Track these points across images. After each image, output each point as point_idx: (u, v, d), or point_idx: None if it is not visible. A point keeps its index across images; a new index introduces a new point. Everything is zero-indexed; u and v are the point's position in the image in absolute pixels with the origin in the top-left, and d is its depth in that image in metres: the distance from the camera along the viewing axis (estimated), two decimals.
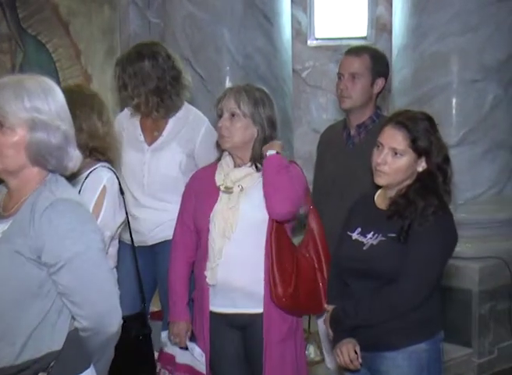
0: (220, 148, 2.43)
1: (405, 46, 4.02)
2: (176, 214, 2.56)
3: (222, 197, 2.36)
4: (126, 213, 2.43)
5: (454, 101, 3.87)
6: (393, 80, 4.01)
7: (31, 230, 1.56)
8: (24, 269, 1.55)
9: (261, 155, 2.33)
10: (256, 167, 2.37)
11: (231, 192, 2.36)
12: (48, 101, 1.60)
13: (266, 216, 2.32)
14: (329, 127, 2.98)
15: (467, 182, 3.73)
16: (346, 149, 2.74)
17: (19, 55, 4.40)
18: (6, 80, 1.60)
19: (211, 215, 2.34)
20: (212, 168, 2.44)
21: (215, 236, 2.32)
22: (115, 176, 2.33)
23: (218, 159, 2.45)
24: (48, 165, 1.62)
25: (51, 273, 1.57)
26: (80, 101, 2.21)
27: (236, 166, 2.41)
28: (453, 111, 3.87)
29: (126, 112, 2.95)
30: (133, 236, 2.63)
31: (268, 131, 2.37)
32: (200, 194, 2.41)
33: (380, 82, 2.74)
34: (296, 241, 2.47)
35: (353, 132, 2.75)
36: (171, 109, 2.81)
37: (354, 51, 2.74)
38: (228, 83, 3.85)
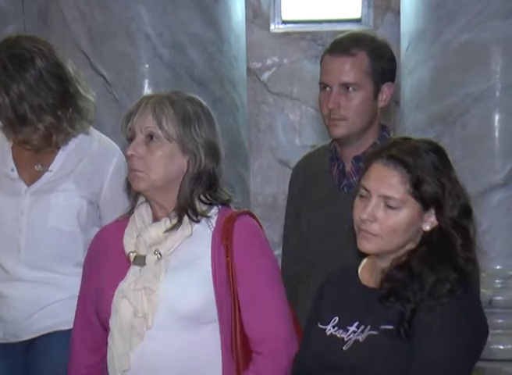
0: (132, 191, 2.46)
1: (421, 34, 4.08)
2: (71, 292, 2.65)
3: (132, 271, 2.37)
4: None
5: (497, 117, 3.92)
6: (402, 86, 4.18)
7: None
8: None
9: (192, 201, 2.38)
10: (180, 220, 2.38)
11: (144, 264, 2.35)
12: None
13: (206, 303, 2.33)
14: (307, 157, 2.99)
15: None
16: (338, 193, 2.76)
17: None
18: None
19: (114, 299, 2.35)
20: (123, 225, 2.46)
21: (115, 334, 2.33)
22: None
23: (130, 211, 2.47)
24: None
25: None
26: None
27: (155, 219, 2.41)
28: (496, 132, 3.92)
29: None
30: None
31: (206, 163, 2.38)
32: (103, 266, 2.44)
33: (387, 89, 2.76)
34: None
35: (348, 167, 2.77)
36: (60, 140, 2.88)
37: (344, 48, 2.73)
38: (147, 90, 3.92)
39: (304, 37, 4.76)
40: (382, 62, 2.74)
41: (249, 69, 4.51)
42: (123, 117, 2.42)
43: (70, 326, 2.71)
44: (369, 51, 2.72)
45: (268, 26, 4.80)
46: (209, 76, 4.03)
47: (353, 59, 2.70)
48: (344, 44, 2.73)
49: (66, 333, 2.73)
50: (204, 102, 2.43)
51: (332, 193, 2.77)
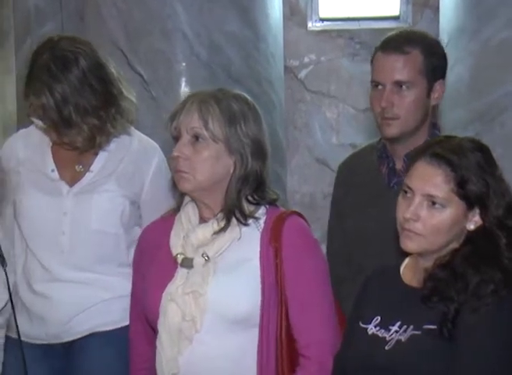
0: (177, 192, 2.45)
1: (460, 31, 4.06)
2: (114, 293, 2.72)
3: (180, 273, 2.36)
4: (9, 290, 2.55)
5: None
6: None
7: None
8: None
9: (240, 202, 2.35)
10: (228, 222, 2.36)
11: (191, 266, 2.34)
12: None
13: (253, 306, 2.33)
14: (352, 157, 2.98)
15: None
16: (387, 192, 2.72)
17: None
18: None
19: (162, 302, 2.34)
20: (169, 223, 2.45)
21: (164, 337, 2.32)
22: None
23: (177, 210, 2.45)
24: None
25: None
26: None
27: (203, 220, 2.40)
28: None
29: (24, 134, 3.00)
30: (35, 329, 2.79)
31: (253, 163, 2.35)
32: (150, 266, 2.44)
33: (439, 87, 2.75)
34: None
35: (399, 165, 2.76)
36: (103, 141, 2.87)
37: (396, 45, 2.72)
38: (184, 89, 3.91)
39: (341, 34, 4.75)
40: (434, 60, 2.72)
41: (286, 67, 4.51)
42: (169, 116, 2.41)
43: (112, 326, 2.76)
44: (422, 49, 2.70)
45: (306, 23, 4.79)
46: (246, 75, 4.01)
47: (406, 57, 2.68)
48: (397, 41, 2.71)
49: (107, 334, 2.79)
50: (250, 99, 2.41)
51: (380, 192, 2.74)
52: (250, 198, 2.38)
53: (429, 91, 2.72)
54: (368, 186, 2.78)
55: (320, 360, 2.33)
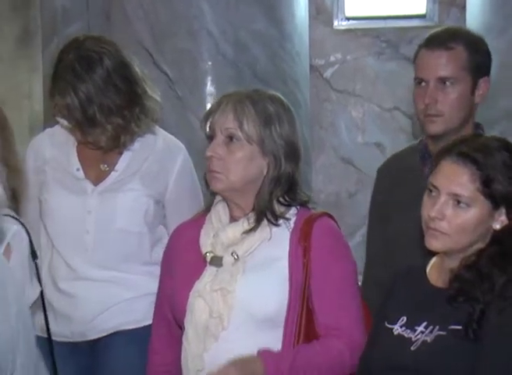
0: (209, 191, 2.45)
1: (486, 29, 4.00)
2: (139, 291, 2.74)
3: (208, 271, 2.36)
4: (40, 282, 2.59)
5: None
6: None
7: None
8: None
9: (271, 204, 2.36)
10: (259, 222, 2.36)
11: (220, 265, 2.34)
12: None
13: (281, 305, 2.33)
14: (393, 159, 2.97)
15: None
16: None
17: None
18: None
19: (189, 299, 2.34)
20: (199, 223, 2.45)
21: (190, 334, 2.32)
22: (24, 231, 2.46)
23: (207, 209, 2.46)
24: None
25: None
26: None
27: (233, 219, 2.41)
28: None
29: (50, 134, 3.01)
30: (60, 327, 2.80)
31: (286, 165, 2.37)
32: (179, 265, 2.44)
33: (483, 84, 2.72)
34: None
35: None
36: (127, 140, 2.88)
37: (441, 41, 2.71)
38: (209, 88, 3.90)
39: (367, 33, 4.74)
40: (478, 56, 2.70)
41: (312, 66, 4.50)
42: (203, 115, 2.41)
43: (136, 325, 2.76)
44: (466, 45, 2.68)
45: (332, 22, 4.78)
46: (272, 74, 4.01)
47: (450, 53, 2.66)
48: (441, 37, 2.69)
49: (130, 333, 2.80)
50: (285, 100, 2.41)
51: (422, 193, 2.72)
52: (281, 199, 2.38)
53: (473, 88, 2.69)
54: (409, 187, 2.73)
55: (350, 347, 2.31)
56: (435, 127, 2.67)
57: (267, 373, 2.25)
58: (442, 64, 2.65)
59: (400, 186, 2.77)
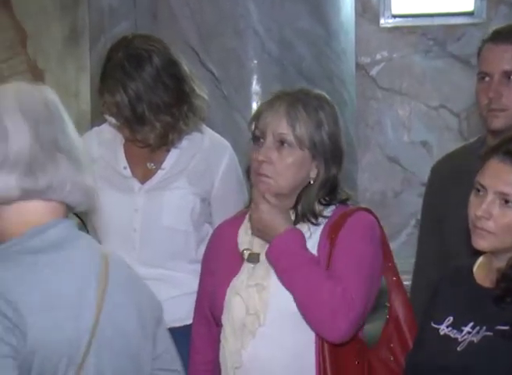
0: (251, 189, 2.44)
1: None
2: (185, 289, 2.74)
3: (245, 268, 2.37)
4: None
5: None
6: None
7: None
8: None
9: (314, 206, 2.36)
10: (298, 221, 2.36)
11: (257, 261, 2.34)
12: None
13: None
14: (447, 158, 2.93)
15: None
16: None
17: None
18: None
19: (226, 296, 2.35)
20: (239, 221, 2.46)
21: (228, 331, 2.32)
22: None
23: (249, 205, 2.45)
24: None
25: None
26: None
27: None
28: None
29: (97, 132, 3.04)
30: None
31: (333, 169, 2.37)
32: (218, 263, 2.45)
33: None
34: (371, 333, 2.48)
35: None
36: (175, 138, 2.89)
37: (506, 36, 2.68)
38: (255, 87, 3.89)
39: (414, 31, 4.72)
40: None
41: (358, 64, 4.48)
42: (252, 115, 2.41)
43: (183, 323, 2.75)
44: None
45: (378, 20, 4.78)
46: (317, 72, 3.99)
47: None
48: (506, 32, 2.68)
49: (174, 332, 2.81)
50: (330, 99, 2.41)
51: None
52: (322, 200, 2.38)
53: None
54: (465, 187, 2.64)
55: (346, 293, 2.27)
56: (498, 122, 2.64)
57: (274, 244, 2.29)
58: (507, 58, 2.63)
59: (455, 186, 2.72)
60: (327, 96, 2.43)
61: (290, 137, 2.32)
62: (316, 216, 2.35)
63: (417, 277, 2.75)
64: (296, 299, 2.27)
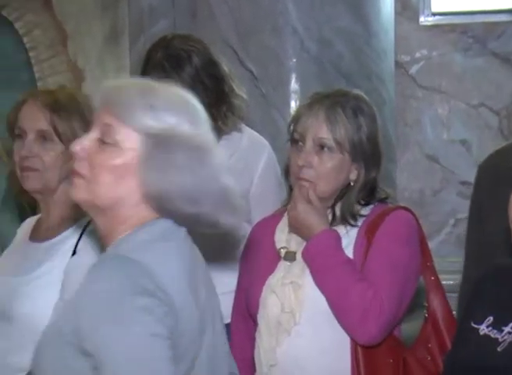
0: (289, 188, 2.46)
1: None
2: (226, 288, 2.67)
3: (281, 266, 2.37)
4: None
5: None
6: None
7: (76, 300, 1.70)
8: (71, 363, 1.67)
9: (354, 207, 2.36)
10: (338, 222, 2.36)
11: (294, 259, 2.34)
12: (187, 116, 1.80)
13: None
14: (496, 156, 2.86)
15: None
16: None
17: None
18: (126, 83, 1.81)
19: (262, 294, 2.35)
20: (277, 219, 2.47)
21: (263, 328, 2.33)
22: None
23: (287, 204, 2.46)
24: (172, 208, 1.75)
25: (95, 367, 1.65)
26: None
27: None
28: None
29: None
30: None
31: (372, 172, 2.37)
32: (255, 261, 2.45)
33: None
34: (409, 332, 2.47)
35: None
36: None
37: None
38: (293, 85, 3.88)
39: (454, 29, 4.69)
40: None
41: (397, 63, 4.46)
42: (292, 118, 2.41)
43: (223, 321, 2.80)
44: None
45: (418, 18, 4.76)
46: (356, 70, 3.99)
47: None
48: None
49: None
50: (368, 99, 2.40)
51: None
52: (361, 201, 2.39)
53: None
54: None
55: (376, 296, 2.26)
56: None
57: (309, 244, 2.30)
58: None
59: (504, 185, 2.62)
60: (365, 97, 2.42)
61: (330, 142, 2.32)
62: (355, 217, 2.35)
63: (465, 277, 2.71)
64: (327, 300, 2.28)
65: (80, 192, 1.75)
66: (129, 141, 1.73)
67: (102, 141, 1.73)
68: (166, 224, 1.77)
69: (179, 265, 1.76)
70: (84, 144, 1.74)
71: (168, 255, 1.76)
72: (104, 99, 1.76)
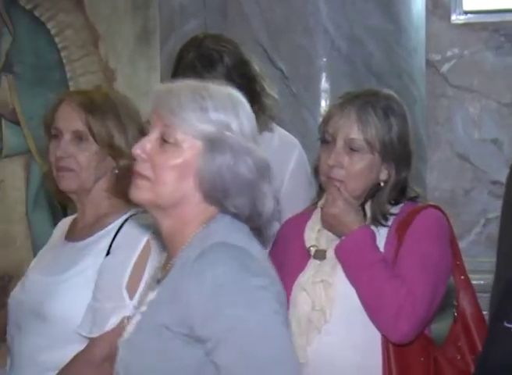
0: (319, 186, 2.46)
1: None
2: None
3: (312, 264, 2.36)
4: None
5: None
6: None
7: (181, 292, 1.73)
8: (173, 350, 1.71)
9: (384, 208, 2.36)
10: (373, 223, 2.36)
11: (324, 258, 2.34)
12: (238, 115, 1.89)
13: None
14: None
15: None
16: None
17: (5, 40, 4.50)
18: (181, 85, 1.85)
19: (293, 292, 2.34)
20: (306, 217, 2.47)
21: (293, 326, 2.29)
22: None
23: (316, 203, 2.46)
24: (229, 205, 1.80)
25: (207, 353, 1.70)
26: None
27: None
28: None
29: None
30: None
31: (403, 172, 2.37)
32: (284, 260, 2.43)
33: None
34: (438, 331, 2.47)
35: None
36: None
37: None
38: (324, 84, 3.87)
39: (485, 27, 4.66)
40: None
41: (428, 61, 4.44)
42: (323, 118, 2.41)
43: None
44: None
45: (449, 16, 4.72)
46: (387, 69, 3.98)
47: None
48: None
49: None
50: (399, 99, 2.39)
51: None
52: (392, 200, 2.38)
53: None
54: None
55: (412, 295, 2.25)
56: None
57: (345, 241, 2.30)
58: None
59: None
60: (396, 96, 2.41)
61: (361, 142, 2.32)
62: (386, 217, 2.35)
63: (497, 277, 2.68)
64: (360, 297, 2.27)
65: (143, 193, 1.79)
66: (187, 141, 1.79)
67: (164, 141, 1.79)
68: (229, 218, 1.83)
69: (260, 247, 1.85)
70: (145, 145, 1.79)
71: (251, 239, 1.84)
72: (157, 102, 1.81)
